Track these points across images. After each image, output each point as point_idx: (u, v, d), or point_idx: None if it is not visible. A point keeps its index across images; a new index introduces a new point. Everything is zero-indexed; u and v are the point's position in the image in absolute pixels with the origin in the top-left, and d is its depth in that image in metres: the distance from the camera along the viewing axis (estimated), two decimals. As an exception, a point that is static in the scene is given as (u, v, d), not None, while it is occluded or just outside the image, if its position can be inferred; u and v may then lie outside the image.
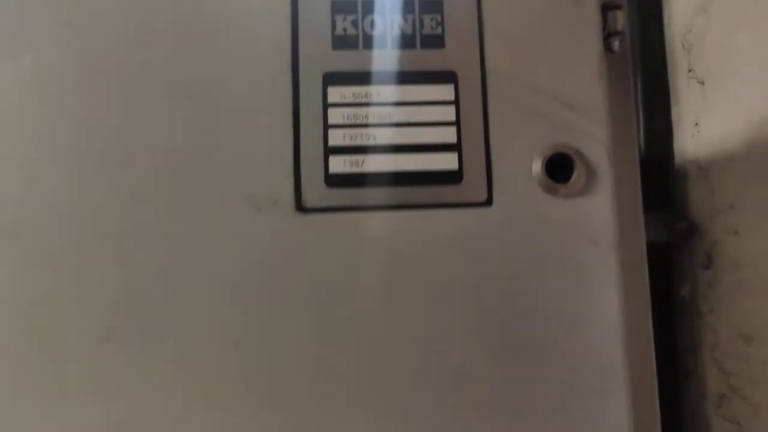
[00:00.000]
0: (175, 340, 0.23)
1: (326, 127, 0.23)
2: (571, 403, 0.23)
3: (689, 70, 0.56)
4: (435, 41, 0.23)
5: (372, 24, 0.23)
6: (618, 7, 0.24)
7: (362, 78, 0.23)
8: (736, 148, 0.51)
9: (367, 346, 0.22)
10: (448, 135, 0.23)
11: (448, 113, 0.23)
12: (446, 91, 0.23)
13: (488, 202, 0.23)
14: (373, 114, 0.23)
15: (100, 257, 0.23)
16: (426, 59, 0.23)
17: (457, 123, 0.23)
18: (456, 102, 0.23)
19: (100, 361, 0.22)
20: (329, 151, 0.23)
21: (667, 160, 0.58)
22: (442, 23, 0.23)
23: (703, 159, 0.55)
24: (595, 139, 0.23)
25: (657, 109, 0.59)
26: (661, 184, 0.58)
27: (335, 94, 0.23)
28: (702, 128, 0.55)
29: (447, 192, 0.23)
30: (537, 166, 0.23)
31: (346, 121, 0.23)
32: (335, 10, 0.23)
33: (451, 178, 0.23)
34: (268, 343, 0.23)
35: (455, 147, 0.23)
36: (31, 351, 0.22)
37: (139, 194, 0.23)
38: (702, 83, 0.54)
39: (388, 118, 0.23)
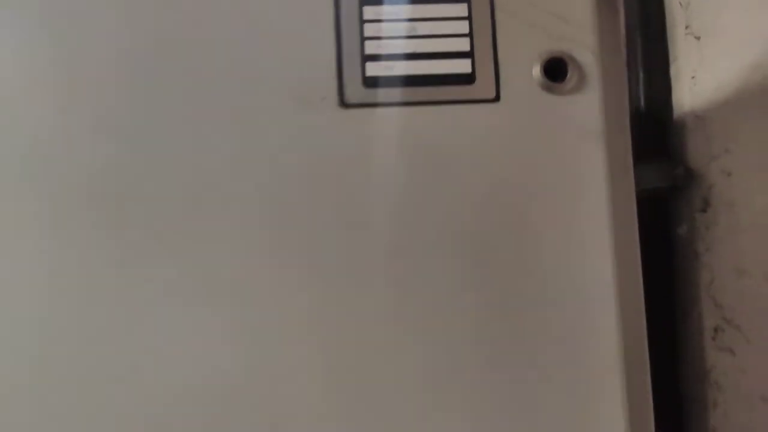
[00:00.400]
0: (229, 223, 0.28)
1: (362, 39, 0.28)
2: (557, 319, 0.28)
3: (686, 27, 0.60)
4: (451, -33, 0.28)
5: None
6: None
7: (392, -2, 0.28)
8: (729, 95, 0.55)
9: (385, 223, 0.28)
10: (463, 44, 0.28)
11: (463, 27, 0.28)
12: (461, 9, 0.28)
13: (496, 98, 0.28)
14: (402, 28, 0.28)
15: (161, 148, 0.28)
16: (444, -18, 0.28)
17: (470, 34, 0.28)
18: (469, 17, 0.28)
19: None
20: (365, 58, 0.28)
21: (666, 113, 0.63)
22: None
23: (699, 109, 0.59)
24: (585, 45, 0.27)
25: (657, 66, 0.64)
26: (662, 135, 0.63)
27: (370, 12, 0.28)
28: (698, 81, 0.59)
29: (462, 91, 0.28)
30: (537, 69, 0.28)
31: (379, 34, 0.28)
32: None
33: (466, 79, 0.28)
34: (312, 219, 0.28)
35: (469, 54, 0.28)
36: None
37: (202, 96, 0.28)
38: (698, 38, 0.58)
39: (414, 31, 0.28)
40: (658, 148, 0.64)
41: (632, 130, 0.61)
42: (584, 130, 0.28)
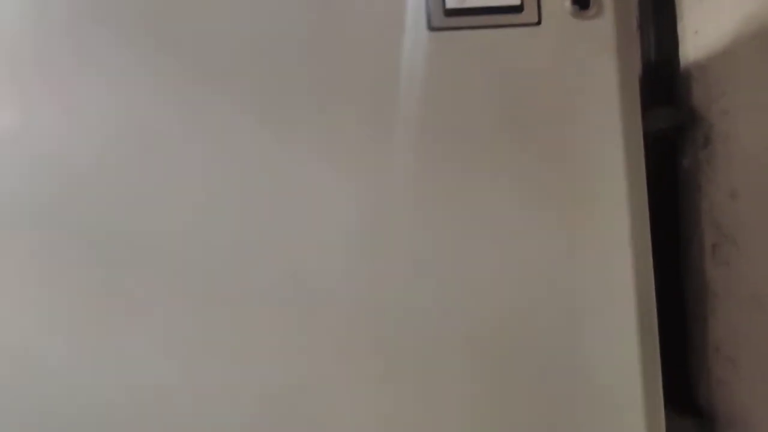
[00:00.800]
0: (318, 127, 0.40)
1: (443, -20, 0.39)
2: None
3: (690, -11, 0.70)
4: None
5: None
6: None
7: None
8: (726, 46, 0.65)
9: (453, 109, 0.39)
10: (515, -16, 0.39)
11: (514, -31, 0.39)
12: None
13: (538, 23, 0.39)
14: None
15: (280, 66, 0.40)
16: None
17: (520, -24, 0.39)
18: (518, -35, 0.39)
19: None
20: (445, -4, 0.39)
21: (674, 65, 0.73)
22: None
23: (701, 59, 0.69)
24: (602, -17, 0.39)
25: (666, 26, 0.74)
26: (670, 84, 0.73)
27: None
28: (700, 35, 0.69)
29: (514, 18, 0.39)
30: (568, 0, 0.39)
31: (455, -23, 0.39)
32: None
33: (516, 9, 0.39)
34: (409, 116, 0.39)
35: (519, -10, 0.39)
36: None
37: (312, 22, 0.39)
38: (700, -2, 0.68)
39: (478, -24, 0.39)
40: (668, 95, 0.74)
41: (646, 81, 0.72)
42: (601, 44, 0.39)
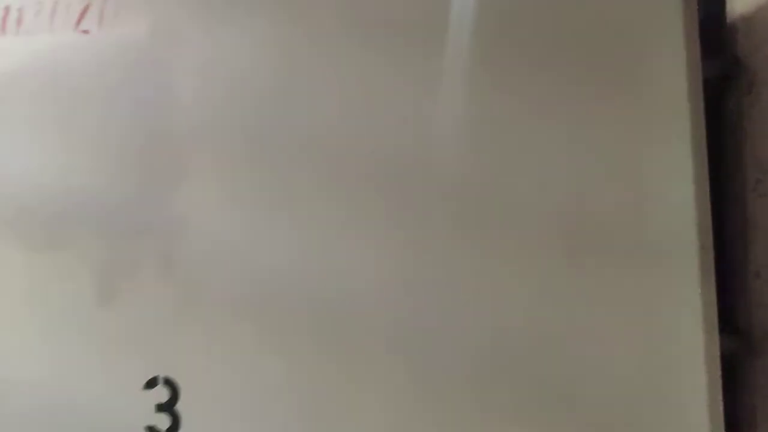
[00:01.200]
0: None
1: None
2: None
3: (737, -51, 0.77)
4: None
5: None
6: None
7: None
8: (769, 0, 0.73)
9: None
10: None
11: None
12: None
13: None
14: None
15: None
16: None
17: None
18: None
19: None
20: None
21: (722, 19, 0.80)
22: None
23: (746, 14, 0.76)
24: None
25: (715, -15, 0.81)
26: (718, 36, 0.81)
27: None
28: (746, -7, 0.77)
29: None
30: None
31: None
32: None
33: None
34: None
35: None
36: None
37: None
38: (746, -43, 0.76)
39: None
40: (716, 47, 0.81)
41: (695, 35, 0.79)
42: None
